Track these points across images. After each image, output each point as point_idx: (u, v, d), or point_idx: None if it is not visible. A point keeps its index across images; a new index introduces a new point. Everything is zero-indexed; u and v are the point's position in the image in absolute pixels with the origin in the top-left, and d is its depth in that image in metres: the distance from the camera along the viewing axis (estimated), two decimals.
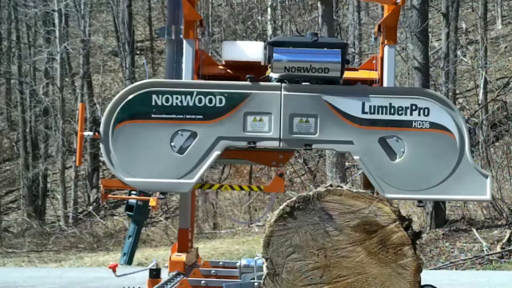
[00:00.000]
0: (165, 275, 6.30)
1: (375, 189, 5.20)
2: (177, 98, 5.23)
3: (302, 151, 19.45)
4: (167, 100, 5.23)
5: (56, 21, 26.69)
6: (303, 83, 5.30)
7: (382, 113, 5.20)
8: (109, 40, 34.74)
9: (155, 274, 6.42)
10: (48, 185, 28.47)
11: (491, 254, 15.59)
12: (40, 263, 18.71)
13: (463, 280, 12.62)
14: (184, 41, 5.66)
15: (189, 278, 5.98)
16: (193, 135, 5.24)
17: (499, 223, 17.40)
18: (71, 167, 27.76)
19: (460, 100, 24.24)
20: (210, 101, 5.23)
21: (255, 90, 5.24)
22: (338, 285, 4.79)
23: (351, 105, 5.21)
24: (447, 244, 16.53)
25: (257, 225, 21.03)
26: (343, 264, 4.80)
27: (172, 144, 5.22)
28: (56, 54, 26.52)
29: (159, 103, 5.23)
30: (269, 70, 5.42)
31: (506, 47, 27.73)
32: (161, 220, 23.92)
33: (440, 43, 23.25)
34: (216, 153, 5.23)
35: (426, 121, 5.20)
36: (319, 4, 16.63)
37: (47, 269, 16.34)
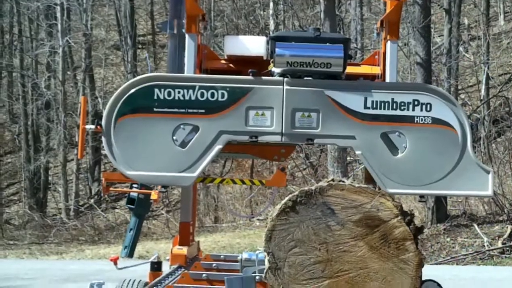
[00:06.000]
0: (166, 268, 6.31)
1: (377, 184, 5.20)
2: (179, 92, 5.22)
3: (304, 145, 19.45)
4: (169, 94, 5.22)
5: (58, 14, 26.69)
6: (305, 78, 5.29)
7: (384, 108, 5.19)
8: (111, 34, 34.73)
9: (156, 267, 6.44)
10: (50, 178, 28.51)
11: (492, 250, 15.61)
12: (41, 255, 18.75)
13: (464, 275, 12.65)
14: (187, 36, 5.66)
15: (190, 271, 5.99)
16: (195, 129, 5.22)
17: (500, 218, 17.43)
18: (72, 160, 27.79)
19: (462, 96, 24.24)
20: (212, 95, 5.22)
21: (257, 85, 5.23)
22: (340, 280, 4.79)
23: (353, 100, 5.19)
24: (448, 239, 16.55)
25: (258, 219, 21.07)
26: (344, 258, 4.80)
27: (174, 138, 5.22)
28: (58, 48, 26.53)
29: (161, 97, 5.22)
30: (272, 64, 5.40)
31: (508, 43, 27.70)
32: (162, 214, 23.95)
33: (442, 39, 23.22)
34: (218, 147, 5.22)
35: (428, 117, 5.19)
36: None
37: (48, 262, 16.39)
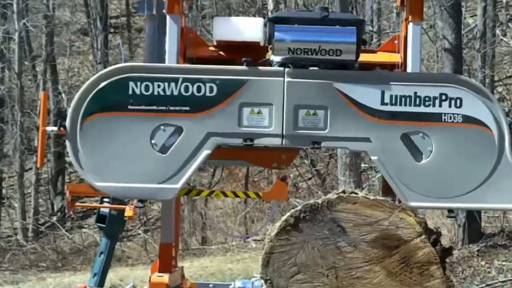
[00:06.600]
0: None
1: (396, 196, 5.20)
2: (159, 86, 5.24)
3: (309, 150, 19.48)
4: (147, 88, 5.24)
5: None
6: (311, 68, 5.31)
7: (405, 104, 5.21)
8: (77, 16, 34.73)
9: None
10: (4, 191, 28.47)
11: None
12: None
13: None
14: (168, 17, 5.67)
15: None
16: (178, 130, 5.24)
17: None
18: (31, 169, 27.75)
19: (500, 89, 24.27)
20: (199, 89, 5.24)
21: (252, 77, 5.25)
22: None
23: (368, 95, 5.21)
24: (482, 262, 16.57)
25: (255, 240, 21.06)
26: (357, 286, 4.82)
27: (153, 141, 5.23)
28: (14, 33, 26.52)
29: (137, 91, 5.24)
30: (270, 52, 5.43)
31: None
32: (139, 234, 23.95)
33: (475, 20, 23.25)
34: (205, 152, 5.23)
35: (458, 114, 5.21)
36: None
37: None
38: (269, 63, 5.46)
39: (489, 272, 16.17)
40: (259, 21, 5.92)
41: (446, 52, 17.75)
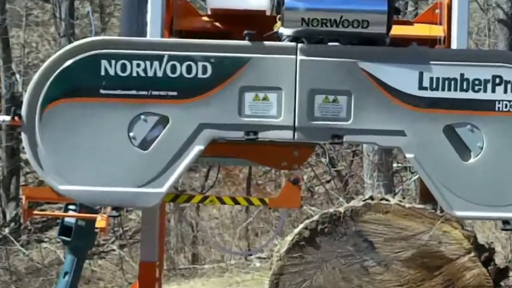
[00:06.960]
0: None
1: (438, 203, 5.20)
2: (138, 65, 5.25)
3: (327, 146, 19.50)
4: (123, 67, 5.24)
5: None
6: (330, 43, 5.31)
7: (449, 89, 5.21)
8: None
9: None
10: None
11: None
12: None
13: None
14: None
15: None
16: (163, 121, 5.26)
17: None
18: None
19: None
20: (189, 69, 5.25)
21: (257, 54, 5.26)
22: None
23: (403, 77, 5.22)
24: None
25: (259, 258, 21.09)
26: None
27: (131, 134, 5.24)
28: None
29: (112, 72, 5.24)
30: (279, 23, 5.43)
31: None
32: (113, 250, 24.00)
33: None
34: (197, 148, 5.25)
35: None
36: None
37: None
38: (278, 37, 5.46)
39: None
40: None
41: (500, 24, 17.76)
